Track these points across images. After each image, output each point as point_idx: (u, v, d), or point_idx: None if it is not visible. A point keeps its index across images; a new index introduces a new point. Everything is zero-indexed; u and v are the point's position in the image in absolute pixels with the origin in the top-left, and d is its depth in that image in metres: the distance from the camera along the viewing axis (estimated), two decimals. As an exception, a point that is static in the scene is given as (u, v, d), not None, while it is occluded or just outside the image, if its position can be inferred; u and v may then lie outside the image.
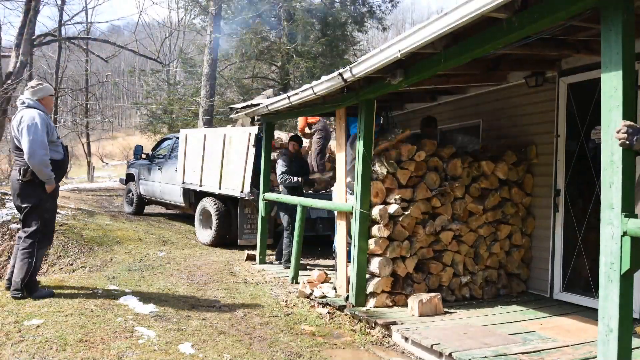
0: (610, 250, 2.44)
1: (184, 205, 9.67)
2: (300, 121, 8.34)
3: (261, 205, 6.84)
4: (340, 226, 5.09)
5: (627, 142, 2.34)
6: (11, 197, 9.65)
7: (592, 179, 4.73)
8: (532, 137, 5.37)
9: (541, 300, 5.04)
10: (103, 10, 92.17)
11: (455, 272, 5.02)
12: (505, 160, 5.22)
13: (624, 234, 2.38)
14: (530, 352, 3.48)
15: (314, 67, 16.04)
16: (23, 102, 4.48)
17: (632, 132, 2.33)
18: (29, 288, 4.46)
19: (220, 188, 8.09)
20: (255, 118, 7.54)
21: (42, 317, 4.04)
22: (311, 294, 5.10)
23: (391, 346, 4.02)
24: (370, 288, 4.65)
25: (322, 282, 5.31)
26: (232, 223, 8.28)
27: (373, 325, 4.29)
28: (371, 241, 4.67)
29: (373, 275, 4.69)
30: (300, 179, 6.48)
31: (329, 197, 5.65)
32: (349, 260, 4.91)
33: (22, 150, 4.31)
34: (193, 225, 9.26)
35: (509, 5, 2.85)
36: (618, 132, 2.37)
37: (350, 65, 4.22)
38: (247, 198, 7.55)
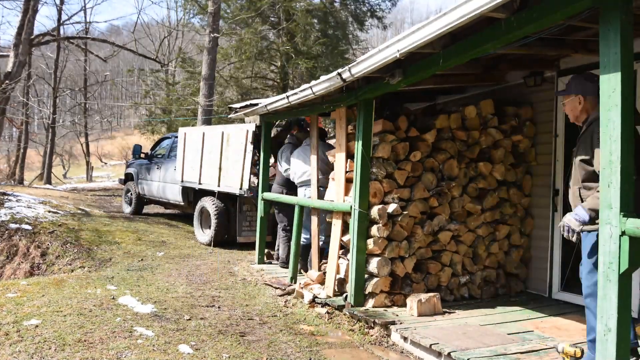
0: (608, 250, 2.44)
1: (183, 204, 9.68)
2: None
3: (260, 204, 6.84)
4: (335, 226, 5.09)
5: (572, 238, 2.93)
6: (10, 197, 9.65)
7: (590, 179, 4.73)
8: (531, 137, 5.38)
9: (540, 300, 5.04)
10: (102, 10, 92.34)
11: (453, 272, 5.03)
12: (503, 161, 5.24)
13: (623, 233, 2.39)
14: (528, 352, 3.49)
15: (313, 67, 16.02)
16: None
17: (569, 230, 2.92)
18: None
19: (219, 186, 8.10)
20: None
21: (40, 317, 4.04)
22: (314, 298, 5.10)
23: (390, 346, 4.02)
24: (369, 288, 4.65)
25: (320, 282, 5.31)
26: (231, 223, 8.28)
27: (372, 325, 4.29)
28: (370, 241, 4.67)
29: (372, 275, 4.70)
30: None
31: None
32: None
33: None
34: (192, 225, 9.26)
35: (508, 5, 2.85)
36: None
37: (349, 65, 4.22)
38: (246, 195, 7.56)
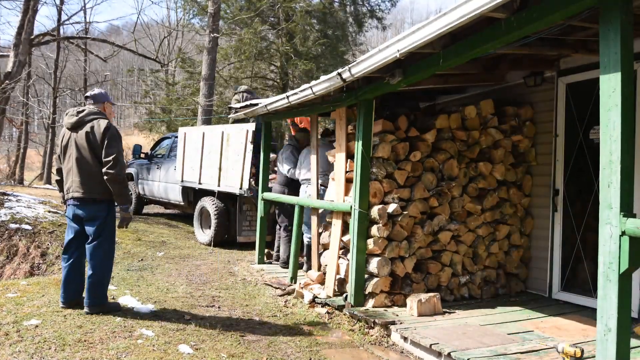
0: (608, 250, 2.44)
1: (183, 203, 9.69)
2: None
3: (260, 204, 6.84)
4: (335, 226, 5.09)
5: None
6: (9, 198, 9.64)
7: (590, 179, 4.74)
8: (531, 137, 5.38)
9: (540, 300, 5.04)
10: (102, 10, 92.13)
11: (454, 272, 5.03)
12: (503, 161, 5.24)
13: (623, 233, 2.39)
14: (528, 352, 3.49)
15: (313, 67, 16.01)
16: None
17: None
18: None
19: (219, 185, 8.10)
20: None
21: (40, 317, 4.04)
22: (314, 297, 5.10)
23: (390, 346, 4.02)
24: (369, 288, 4.65)
25: (320, 282, 5.31)
26: (231, 223, 8.28)
27: (372, 325, 4.29)
28: (370, 241, 4.67)
29: (372, 275, 4.70)
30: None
31: None
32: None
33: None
34: (192, 225, 9.25)
35: (508, 5, 2.85)
36: None
37: (349, 65, 4.22)
38: (246, 195, 7.56)
